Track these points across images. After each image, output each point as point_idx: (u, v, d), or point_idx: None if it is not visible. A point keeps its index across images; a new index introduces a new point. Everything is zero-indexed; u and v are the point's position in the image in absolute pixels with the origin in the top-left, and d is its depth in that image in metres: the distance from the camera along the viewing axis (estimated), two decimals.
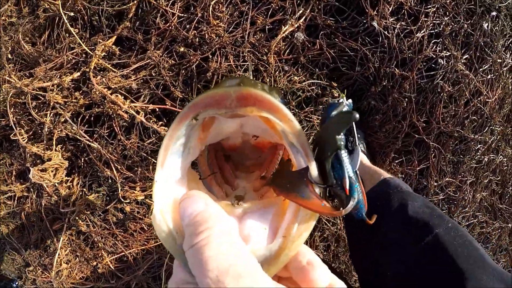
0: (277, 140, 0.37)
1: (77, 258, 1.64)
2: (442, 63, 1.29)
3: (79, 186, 1.41)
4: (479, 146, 1.46)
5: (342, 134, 0.34)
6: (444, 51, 1.28)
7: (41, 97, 1.31)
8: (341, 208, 0.32)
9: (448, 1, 1.25)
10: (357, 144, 0.45)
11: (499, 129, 1.47)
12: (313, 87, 1.25)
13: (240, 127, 0.41)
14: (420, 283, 0.69)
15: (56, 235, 1.63)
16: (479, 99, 1.34)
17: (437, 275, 0.67)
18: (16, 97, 1.32)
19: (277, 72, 1.22)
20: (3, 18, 1.47)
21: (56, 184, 1.39)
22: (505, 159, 1.56)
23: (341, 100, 0.47)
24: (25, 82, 1.29)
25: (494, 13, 1.31)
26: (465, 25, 1.26)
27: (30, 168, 1.28)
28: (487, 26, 1.31)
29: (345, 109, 0.46)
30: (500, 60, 1.36)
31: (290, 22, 1.21)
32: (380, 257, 0.80)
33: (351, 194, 0.35)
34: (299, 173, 0.32)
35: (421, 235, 0.73)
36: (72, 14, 1.26)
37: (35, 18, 1.42)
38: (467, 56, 1.30)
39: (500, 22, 1.32)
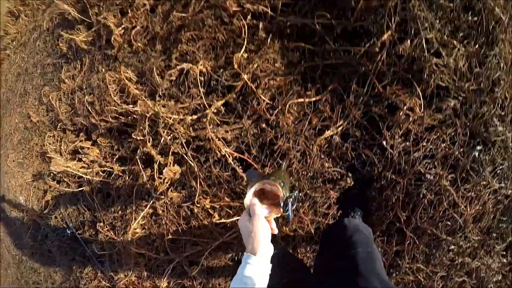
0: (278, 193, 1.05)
1: (144, 230, 2.27)
2: (429, 177, 1.58)
3: (169, 184, 2.06)
4: (453, 247, 1.68)
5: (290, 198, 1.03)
6: (433, 169, 1.57)
7: (168, 120, 1.98)
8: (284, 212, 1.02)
9: (448, 131, 1.54)
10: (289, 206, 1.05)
11: (476, 238, 1.64)
12: (335, 173, 1.82)
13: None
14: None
15: (136, 211, 2.27)
16: (456, 209, 1.59)
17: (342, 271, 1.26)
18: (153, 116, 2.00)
19: (316, 158, 1.82)
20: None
21: (156, 178, 2.05)
22: (483, 266, 1.71)
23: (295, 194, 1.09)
24: (162, 110, 1.97)
25: (481, 148, 1.52)
26: (456, 152, 1.53)
27: (163, 168, 1.94)
28: (477, 155, 1.52)
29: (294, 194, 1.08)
30: (485, 183, 1.54)
31: (332, 128, 1.75)
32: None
33: (286, 210, 1.02)
34: (279, 203, 1.03)
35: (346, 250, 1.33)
36: (198, 71, 1.93)
37: (168, 59, 2.11)
38: (453, 175, 1.55)
39: (492, 152, 1.52)
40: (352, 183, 1.78)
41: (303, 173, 1.81)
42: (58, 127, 2.89)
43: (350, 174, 1.79)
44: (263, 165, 1.82)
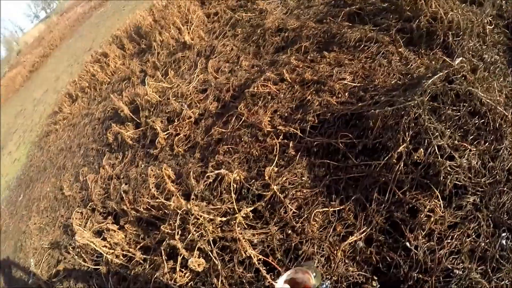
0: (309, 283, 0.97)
1: None
2: (458, 273, 1.39)
3: (189, 278, 1.96)
4: None
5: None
6: (461, 264, 1.40)
7: (198, 218, 1.98)
8: None
9: (472, 225, 1.44)
10: None
11: None
12: (360, 277, 1.74)
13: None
14: None
15: None
16: None
17: None
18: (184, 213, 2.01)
19: (340, 262, 1.76)
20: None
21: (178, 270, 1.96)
22: None
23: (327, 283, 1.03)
24: (194, 208, 1.98)
25: (507, 234, 1.38)
26: (483, 244, 1.39)
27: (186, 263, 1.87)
28: (505, 243, 1.38)
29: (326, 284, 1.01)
30: None
31: (356, 234, 1.70)
32: None
33: None
34: None
35: None
36: (232, 178, 1.99)
37: (205, 166, 2.20)
38: (483, 267, 1.38)
39: None
40: (378, 286, 1.69)
41: (327, 277, 1.73)
42: (88, 206, 2.86)
43: (375, 278, 1.70)
44: (287, 268, 1.76)
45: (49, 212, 3.76)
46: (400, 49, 2.20)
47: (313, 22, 2.76)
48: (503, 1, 2.26)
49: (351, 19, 2.63)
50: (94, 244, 2.48)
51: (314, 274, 1.02)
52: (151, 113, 2.72)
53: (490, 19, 2.14)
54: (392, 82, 2.01)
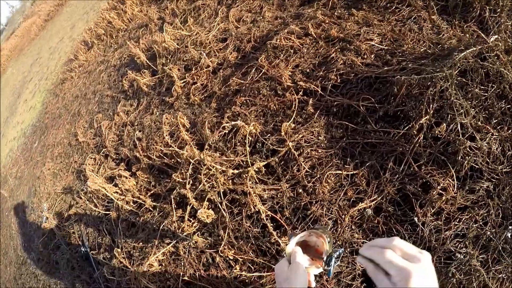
0: (322, 247, 0.96)
1: (160, 267, 2.14)
2: (460, 257, 1.42)
3: (196, 228, 1.98)
4: None
5: (335, 252, 0.93)
6: (464, 248, 1.43)
7: (211, 168, 1.96)
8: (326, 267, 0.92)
9: (481, 212, 1.44)
10: (332, 262, 0.94)
11: None
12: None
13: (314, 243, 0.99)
14: None
15: (157, 246, 2.16)
16: None
17: None
18: (197, 162, 1.99)
19: (347, 228, 1.75)
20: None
21: (186, 219, 1.98)
22: None
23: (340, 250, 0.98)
24: (207, 159, 1.96)
25: None
26: (488, 232, 1.41)
27: (197, 209, 1.88)
28: (510, 236, 1.40)
29: (340, 251, 0.97)
30: None
31: (366, 201, 1.75)
32: None
33: (329, 264, 0.91)
34: (322, 257, 0.93)
35: None
36: (248, 130, 1.95)
37: (221, 116, 2.15)
38: (484, 255, 1.41)
39: None
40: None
41: (333, 241, 1.73)
42: (102, 152, 2.89)
43: None
44: (293, 227, 1.75)
45: (63, 158, 3.85)
46: (433, 16, 2.05)
47: None
48: None
49: None
50: (105, 189, 2.53)
51: (328, 239, 0.97)
52: (168, 60, 2.64)
53: None
54: (421, 50, 1.90)
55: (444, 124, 1.52)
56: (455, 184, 1.50)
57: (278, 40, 2.17)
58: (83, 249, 3.01)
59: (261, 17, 2.60)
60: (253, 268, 1.80)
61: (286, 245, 0.96)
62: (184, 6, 3.41)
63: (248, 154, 1.84)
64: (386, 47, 2.00)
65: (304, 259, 0.93)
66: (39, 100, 6.59)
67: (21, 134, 6.50)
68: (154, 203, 2.29)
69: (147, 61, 2.88)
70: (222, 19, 2.76)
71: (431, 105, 1.58)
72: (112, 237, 2.68)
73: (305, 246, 0.99)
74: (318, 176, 1.76)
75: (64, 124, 4.20)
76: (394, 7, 2.21)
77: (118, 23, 4.46)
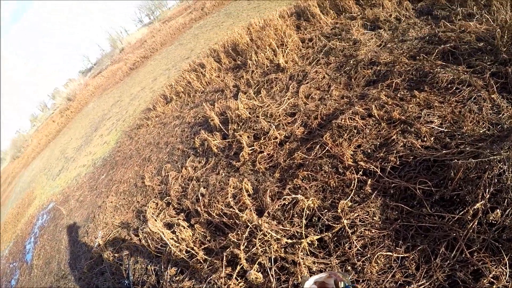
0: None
1: None
2: None
3: None
4: None
5: None
6: None
7: (264, 235, 2.16)
8: None
9: None
10: None
11: None
12: None
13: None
14: None
15: None
16: None
17: None
18: (253, 226, 2.21)
19: None
20: None
21: (233, 277, 2.14)
22: None
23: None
24: (265, 225, 2.17)
25: None
26: None
27: (246, 270, 2.05)
28: None
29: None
30: None
31: (413, 286, 1.76)
32: None
33: None
34: None
35: None
36: (307, 204, 2.13)
37: (282, 187, 2.37)
38: None
39: None
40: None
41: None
42: (165, 199, 3.25)
43: None
44: None
45: (127, 195, 4.33)
46: (493, 95, 2.14)
47: (406, 57, 2.82)
48: None
49: (445, 58, 2.63)
50: (163, 234, 2.81)
51: (347, 284, 1.05)
52: (239, 127, 3.03)
53: None
54: (481, 131, 1.98)
55: (499, 210, 1.53)
56: (508, 272, 1.47)
57: (343, 120, 2.44)
58: (126, 282, 3.23)
59: (328, 95, 2.93)
60: None
61: (305, 280, 1.05)
62: (258, 78, 3.94)
63: (303, 226, 2.02)
64: (446, 129, 2.10)
65: None
66: (114, 138, 7.57)
67: (91, 163, 7.41)
68: (206, 257, 2.49)
69: (220, 124, 3.32)
70: (292, 94, 3.15)
71: (487, 189, 1.59)
72: (158, 278, 2.88)
73: (323, 286, 1.07)
74: (369, 255, 1.83)
75: (133, 166, 4.78)
76: (454, 88, 2.32)
77: (196, 84, 5.19)
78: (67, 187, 7.39)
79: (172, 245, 2.77)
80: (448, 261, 1.65)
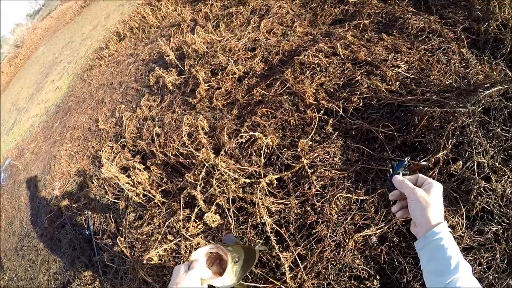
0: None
1: (160, 262, 2.20)
2: None
3: (201, 229, 2.04)
4: None
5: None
6: None
7: (221, 175, 2.02)
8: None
9: (486, 255, 1.44)
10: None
11: None
12: (364, 272, 1.67)
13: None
14: None
15: (160, 241, 2.22)
16: None
17: None
18: (210, 165, 2.06)
19: (349, 252, 1.75)
20: None
21: (192, 220, 2.04)
22: None
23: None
24: (222, 164, 2.02)
25: None
26: (491, 277, 1.41)
27: (204, 211, 1.93)
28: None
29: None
30: None
31: (372, 228, 1.70)
32: None
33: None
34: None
35: None
36: (265, 142, 2.00)
37: (240, 124, 2.21)
38: None
39: None
40: (378, 286, 1.68)
41: (333, 263, 1.73)
42: (119, 142, 2.99)
43: (378, 277, 1.69)
44: (296, 244, 1.77)
45: (81, 141, 3.99)
46: (462, 49, 2.07)
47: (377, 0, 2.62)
48: None
49: (417, 6, 2.52)
50: (118, 178, 2.61)
51: (237, 259, 0.98)
52: (196, 62, 2.72)
53: None
54: (447, 82, 1.92)
55: (461, 162, 1.53)
56: (464, 223, 1.50)
57: (306, 57, 2.23)
58: (87, 232, 3.10)
59: (291, 31, 2.66)
60: (249, 277, 1.83)
61: (195, 250, 0.96)
62: (218, 11, 3.52)
63: (262, 165, 1.89)
64: (412, 76, 2.02)
65: (203, 270, 0.92)
66: (66, 82, 6.86)
67: (44, 112, 6.77)
68: (164, 199, 2.35)
69: (176, 60, 2.98)
70: (254, 29, 2.84)
71: (450, 140, 1.59)
72: (117, 225, 2.75)
73: (220, 260, 0.99)
74: (328, 196, 1.78)
75: (87, 109, 4.36)
76: (424, 36, 2.25)
77: (151, 19, 4.62)
78: (21, 140, 6.80)
79: (128, 189, 2.59)
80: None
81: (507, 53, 2.03)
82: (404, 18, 2.39)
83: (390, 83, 2.02)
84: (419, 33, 2.29)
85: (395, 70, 2.06)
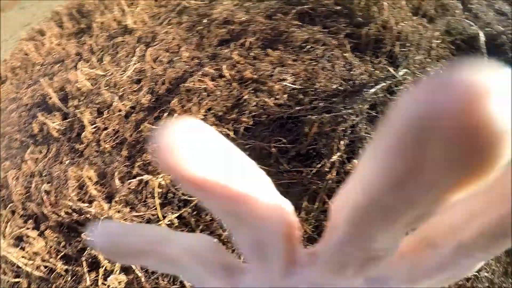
0: None
1: None
2: None
3: None
4: None
5: None
6: None
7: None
8: None
9: None
10: None
11: None
12: None
13: None
14: None
15: None
16: None
17: None
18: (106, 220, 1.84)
19: None
20: None
21: (100, 284, 1.80)
22: None
23: None
24: (116, 215, 1.81)
25: None
26: None
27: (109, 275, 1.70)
28: None
29: None
30: None
31: None
32: None
33: None
34: None
35: None
36: (157, 183, 1.85)
37: (131, 166, 2.03)
38: None
39: None
40: None
41: None
42: (8, 207, 2.57)
43: None
44: None
45: None
46: (345, 54, 2.17)
47: (262, 17, 2.65)
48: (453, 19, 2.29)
49: (302, 19, 2.58)
50: (11, 255, 2.23)
51: None
52: (80, 102, 2.45)
53: (438, 34, 2.15)
54: (333, 87, 1.99)
55: (356, 161, 1.58)
56: None
57: (192, 83, 2.14)
58: None
59: (178, 57, 2.55)
60: None
61: None
62: (103, 43, 3.25)
63: (158, 207, 1.74)
64: (299, 86, 2.06)
65: None
66: None
67: None
68: (66, 266, 2.05)
69: (59, 102, 2.65)
70: (139, 59, 2.66)
71: (342, 141, 1.63)
72: None
73: None
74: None
75: None
76: (309, 47, 2.30)
77: (35, 56, 4.11)
78: None
79: (25, 264, 2.22)
80: (313, 213, 1.64)
81: (387, 50, 2.17)
82: (289, 31, 2.44)
83: (278, 96, 2.03)
84: (303, 44, 2.34)
85: (282, 83, 2.07)
